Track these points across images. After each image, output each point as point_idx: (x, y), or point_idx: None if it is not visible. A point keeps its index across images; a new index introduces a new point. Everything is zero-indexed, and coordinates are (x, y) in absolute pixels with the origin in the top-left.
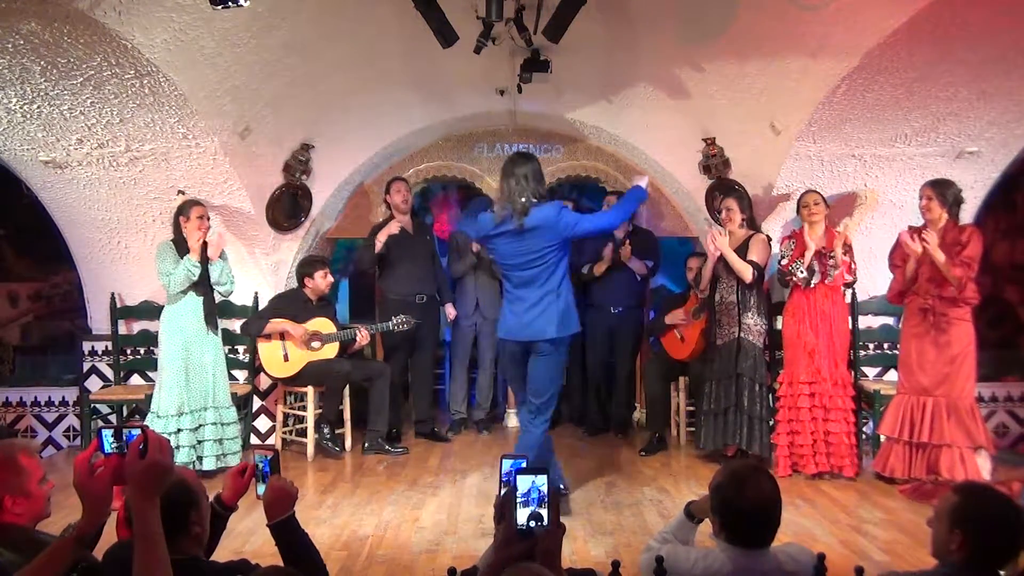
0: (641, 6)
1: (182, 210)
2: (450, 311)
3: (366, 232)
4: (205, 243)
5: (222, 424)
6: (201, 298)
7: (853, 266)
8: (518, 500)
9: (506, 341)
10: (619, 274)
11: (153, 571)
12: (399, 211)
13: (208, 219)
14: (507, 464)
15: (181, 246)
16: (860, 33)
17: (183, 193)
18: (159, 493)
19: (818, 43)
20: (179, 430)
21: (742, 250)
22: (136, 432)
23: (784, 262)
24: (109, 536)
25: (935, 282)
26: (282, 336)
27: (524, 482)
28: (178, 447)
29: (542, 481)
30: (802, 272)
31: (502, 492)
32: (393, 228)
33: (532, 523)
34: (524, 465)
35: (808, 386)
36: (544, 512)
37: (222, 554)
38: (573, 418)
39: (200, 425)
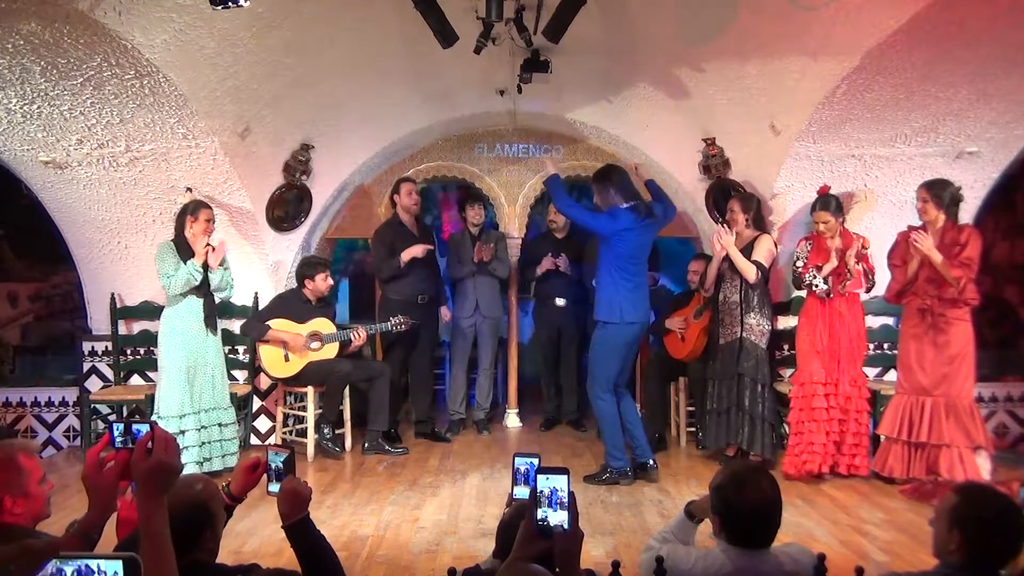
0: (641, 6)
1: (192, 210)
2: (444, 313)
3: (366, 232)
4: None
5: (221, 425)
6: (201, 300)
7: (870, 274)
8: (537, 500)
9: (637, 324)
10: None
11: (158, 570)
12: (408, 212)
13: (214, 222)
14: (520, 462)
15: (182, 247)
16: (860, 33)
17: (191, 191)
18: (165, 492)
19: (818, 43)
20: (183, 431)
21: (747, 250)
22: (144, 428)
23: (800, 265)
24: (109, 536)
25: (934, 283)
26: (283, 341)
27: (542, 482)
28: (184, 448)
29: (561, 483)
30: (821, 284)
31: (514, 491)
32: (418, 251)
33: (543, 523)
34: (538, 464)
35: (823, 387)
36: (552, 513)
37: (221, 554)
38: (572, 419)
39: (204, 426)
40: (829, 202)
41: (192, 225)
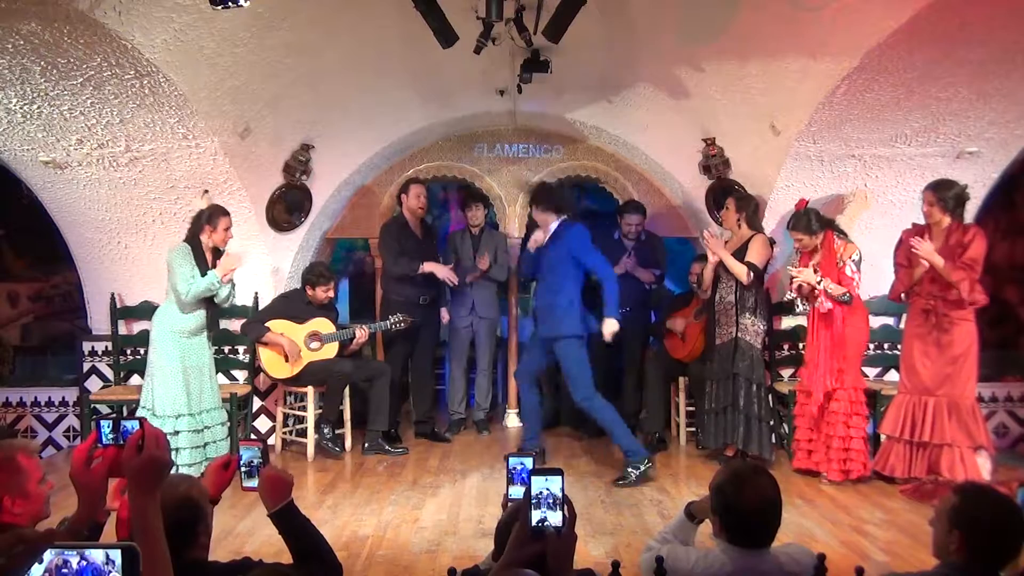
0: (641, 6)
1: (208, 219)
2: (444, 315)
3: (366, 232)
4: (217, 251)
5: (222, 424)
6: (204, 309)
7: (829, 291)
8: (531, 501)
9: None
10: (624, 275)
11: (152, 566)
12: (414, 214)
13: (231, 228)
14: (513, 462)
15: (197, 252)
16: (860, 33)
17: (207, 193)
18: (157, 487)
19: (818, 43)
20: (177, 432)
21: (742, 251)
22: (134, 424)
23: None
24: (109, 536)
25: (938, 283)
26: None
27: (538, 483)
28: (177, 449)
29: (555, 484)
30: (790, 296)
31: (509, 491)
32: (440, 273)
33: (540, 525)
34: (532, 465)
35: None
36: (552, 513)
37: (222, 555)
38: (573, 419)
39: (208, 426)
40: (798, 221)
41: (211, 235)
